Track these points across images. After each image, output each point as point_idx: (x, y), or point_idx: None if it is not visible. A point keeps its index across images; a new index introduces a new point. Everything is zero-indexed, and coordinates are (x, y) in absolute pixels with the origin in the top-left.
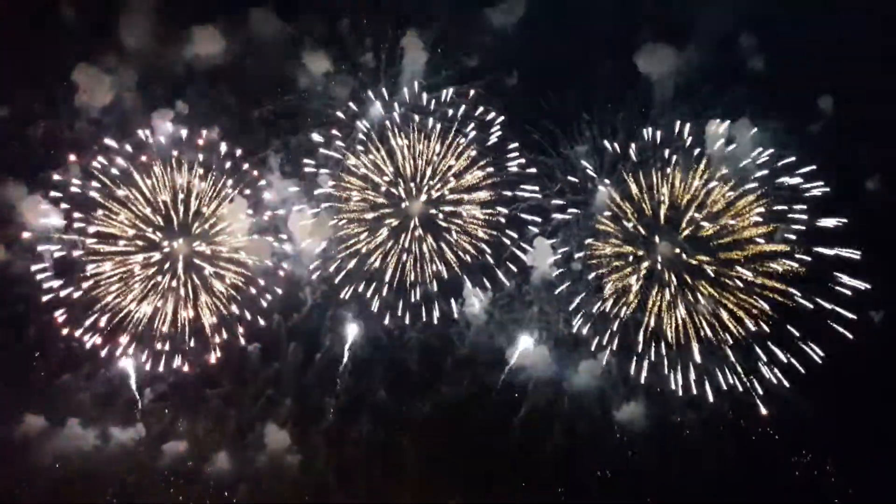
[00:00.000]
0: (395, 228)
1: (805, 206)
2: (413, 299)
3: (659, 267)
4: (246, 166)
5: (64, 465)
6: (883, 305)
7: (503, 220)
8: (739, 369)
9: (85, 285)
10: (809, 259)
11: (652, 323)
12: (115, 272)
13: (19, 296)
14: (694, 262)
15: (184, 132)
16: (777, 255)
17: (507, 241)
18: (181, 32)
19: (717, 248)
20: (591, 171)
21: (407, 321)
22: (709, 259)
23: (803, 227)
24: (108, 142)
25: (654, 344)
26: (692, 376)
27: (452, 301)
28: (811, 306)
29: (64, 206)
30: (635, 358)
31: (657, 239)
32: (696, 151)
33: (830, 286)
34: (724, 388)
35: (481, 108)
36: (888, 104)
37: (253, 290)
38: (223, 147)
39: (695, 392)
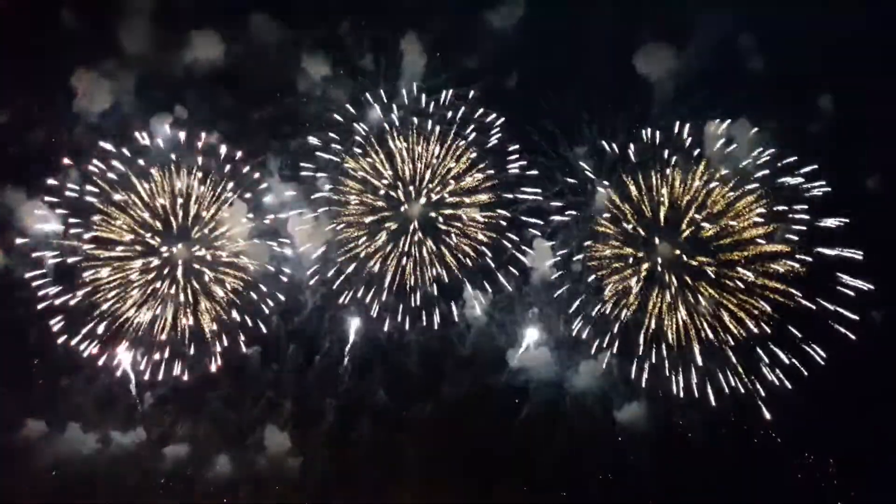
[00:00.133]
0: (394, 232)
1: (806, 206)
2: (413, 304)
3: (659, 268)
4: (245, 170)
5: (65, 470)
6: (885, 306)
7: (503, 222)
8: (741, 370)
9: (82, 292)
10: (811, 259)
11: (653, 325)
12: (114, 278)
13: (18, 300)
14: (694, 264)
15: (182, 136)
16: (778, 255)
17: (507, 244)
18: (180, 37)
19: (718, 249)
20: (590, 173)
21: (407, 324)
22: (709, 260)
23: (804, 228)
24: (107, 146)
25: (654, 346)
26: (693, 378)
27: (452, 304)
28: (813, 307)
29: (62, 211)
30: (636, 360)
31: (657, 240)
32: (696, 152)
33: (832, 287)
34: (726, 389)
35: (481, 111)
36: (890, 102)
37: (254, 296)
38: (222, 151)
39: (696, 394)
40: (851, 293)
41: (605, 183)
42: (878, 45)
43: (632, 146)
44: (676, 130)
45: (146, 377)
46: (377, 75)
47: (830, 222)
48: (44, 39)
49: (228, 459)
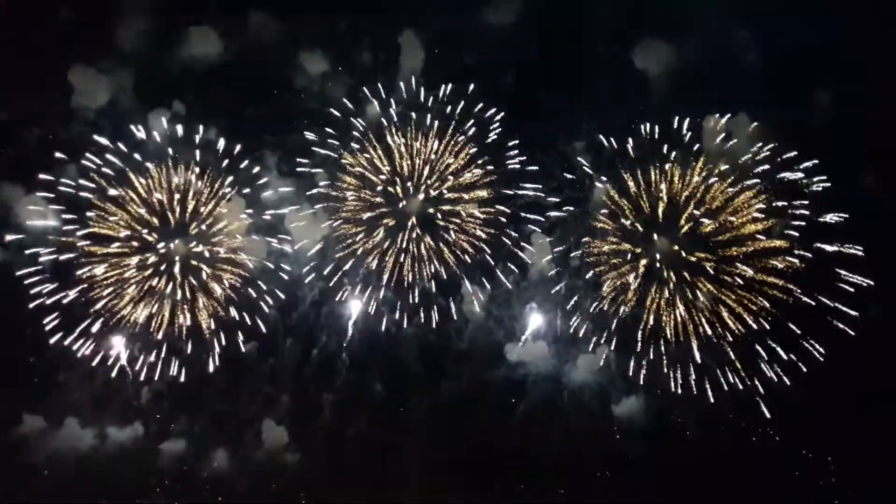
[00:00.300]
0: (392, 228)
1: (806, 202)
2: (411, 300)
3: (657, 264)
4: (243, 165)
5: (60, 466)
6: (885, 302)
7: (503, 218)
8: (739, 366)
9: (78, 289)
10: (810, 255)
11: (651, 321)
12: (110, 275)
13: (13, 297)
14: (693, 259)
15: (180, 131)
16: (777, 251)
17: (506, 240)
18: (177, 32)
19: (717, 245)
20: (588, 168)
21: (405, 320)
22: (708, 256)
23: (804, 223)
24: (103, 142)
25: (653, 342)
26: (692, 375)
27: (451, 300)
28: (812, 303)
29: (57, 206)
30: (634, 356)
31: (655, 236)
32: (695, 147)
33: (832, 283)
34: (725, 386)
35: (480, 105)
36: (891, 96)
37: (253, 293)
38: (220, 146)
39: (695, 391)
40: (851, 289)
41: (604, 178)
42: (879, 38)
43: (630, 141)
44: (675, 125)
45: (143, 375)
46: (375, 70)
47: (830, 218)
48: (41, 35)
49: (226, 454)
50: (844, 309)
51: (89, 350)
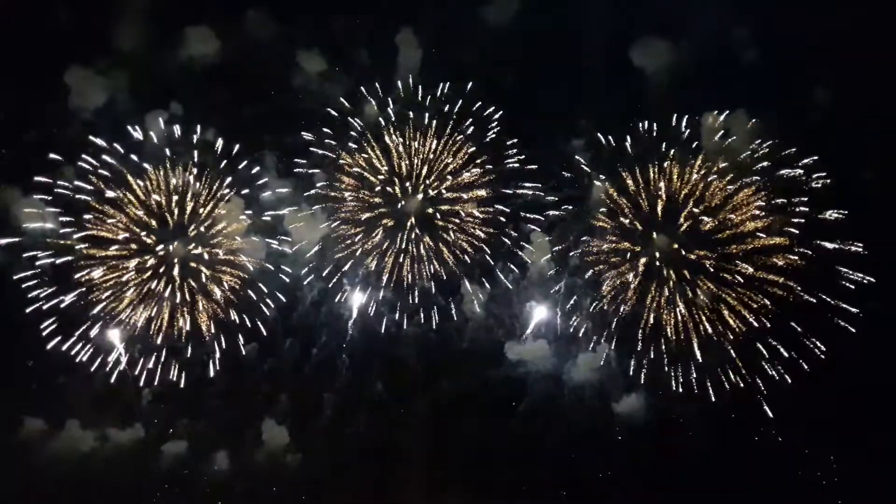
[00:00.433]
0: (391, 228)
1: (806, 199)
2: (411, 300)
3: (657, 263)
4: (242, 165)
5: (62, 467)
6: (886, 299)
7: (502, 217)
8: (740, 365)
9: (76, 292)
10: (811, 253)
11: (651, 319)
12: (108, 278)
13: (11, 300)
14: (693, 258)
15: (177, 132)
16: (777, 248)
17: (505, 239)
18: (175, 33)
19: (717, 243)
20: (587, 167)
21: (405, 320)
22: (708, 254)
23: (804, 220)
24: (101, 143)
25: (653, 341)
26: (693, 373)
27: (450, 299)
28: (813, 301)
29: (55, 209)
30: (634, 355)
31: (655, 234)
32: (694, 145)
33: (832, 280)
34: (726, 384)
35: (478, 104)
36: (891, 91)
37: (252, 295)
38: (218, 146)
39: (695, 389)
40: (852, 286)
41: (603, 177)
42: (878, 33)
43: (629, 139)
44: (674, 123)
45: (143, 380)
46: (373, 70)
47: (830, 214)
48: (37, 36)
49: (227, 455)
50: (845, 306)
51: (88, 355)
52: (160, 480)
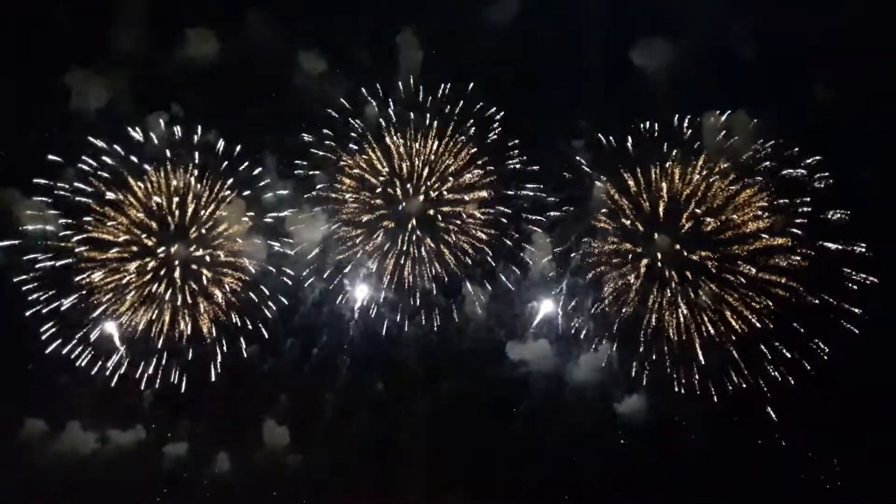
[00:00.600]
0: (392, 230)
1: (809, 199)
2: (412, 302)
3: (659, 264)
4: (243, 167)
5: (63, 469)
6: (891, 300)
7: (503, 219)
8: (743, 367)
9: (76, 295)
10: (814, 253)
11: (653, 321)
12: (108, 280)
13: (11, 303)
14: (695, 258)
15: (178, 133)
16: (780, 249)
17: (507, 241)
18: (175, 34)
19: (719, 244)
20: (588, 167)
21: (406, 321)
22: (710, 255)
23: (807, 221)
24: (101, 144)
25: (655, 342)
26: (695, 375)
27: (452, 301)
28: (816, 302)
29: (55, 211)
30: (636, 357)
31: (656, 235)
32: (696, 145)
33: (836, 281)
34: (728, 386)
35: (479, 105)
36: (894, 90)
37: (253, 296)
38: (219, 147)
39: (698, 391)
40: (855, 287)
41: (604, 177)
42: (880, 31)
43: (630, 140)
44: (675, 123)
45: (143, 383)
46: (373, 70)
47: (833, 215)
48: (37, 37)
49: (227, 456)
50: (848, 307)
51: (88, 358)
52: (161, 482)
